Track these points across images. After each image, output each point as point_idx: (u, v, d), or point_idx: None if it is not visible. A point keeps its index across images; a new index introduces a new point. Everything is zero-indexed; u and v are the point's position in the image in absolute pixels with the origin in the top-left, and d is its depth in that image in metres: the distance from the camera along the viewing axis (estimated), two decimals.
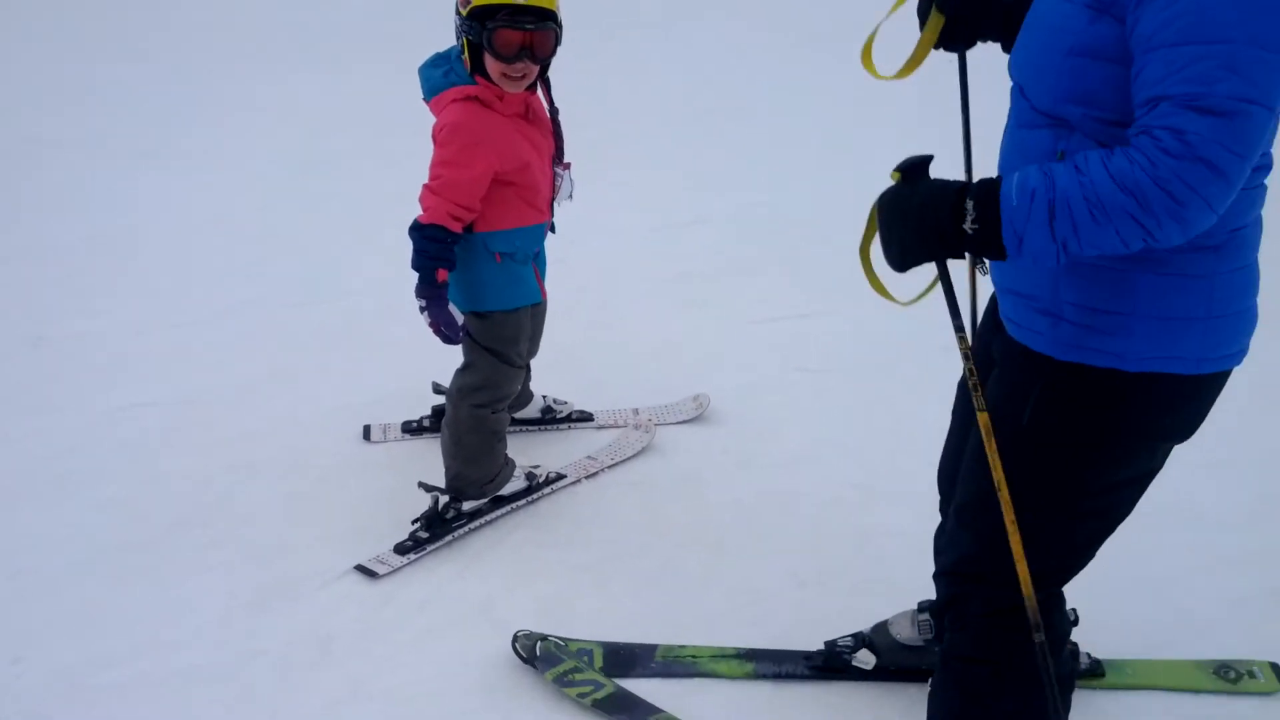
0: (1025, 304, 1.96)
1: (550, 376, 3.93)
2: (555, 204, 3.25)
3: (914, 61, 2.21)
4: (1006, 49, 2.19)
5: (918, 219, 1.76)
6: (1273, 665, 2.75)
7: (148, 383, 4.13)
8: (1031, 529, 1.98)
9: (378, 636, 2.85)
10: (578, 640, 2.84)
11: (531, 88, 3.03)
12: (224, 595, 2.99)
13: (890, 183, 1.83)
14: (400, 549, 3.13)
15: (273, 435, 3.77)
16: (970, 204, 1.71)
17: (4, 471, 3.57)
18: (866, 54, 2.22)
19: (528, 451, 3.63)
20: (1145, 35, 1.61)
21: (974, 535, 2.13)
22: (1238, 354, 1.90)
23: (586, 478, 3.55)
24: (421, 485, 3.24)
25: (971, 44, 2.27)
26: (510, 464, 3.35)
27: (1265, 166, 1.79)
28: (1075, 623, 2.51)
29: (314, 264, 5.24)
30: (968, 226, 1.72)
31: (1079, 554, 2.10)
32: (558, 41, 2.93)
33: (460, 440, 3.22)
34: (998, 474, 1.94)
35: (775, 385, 4.10)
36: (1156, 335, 1.83)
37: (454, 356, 3.32)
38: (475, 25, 2.83)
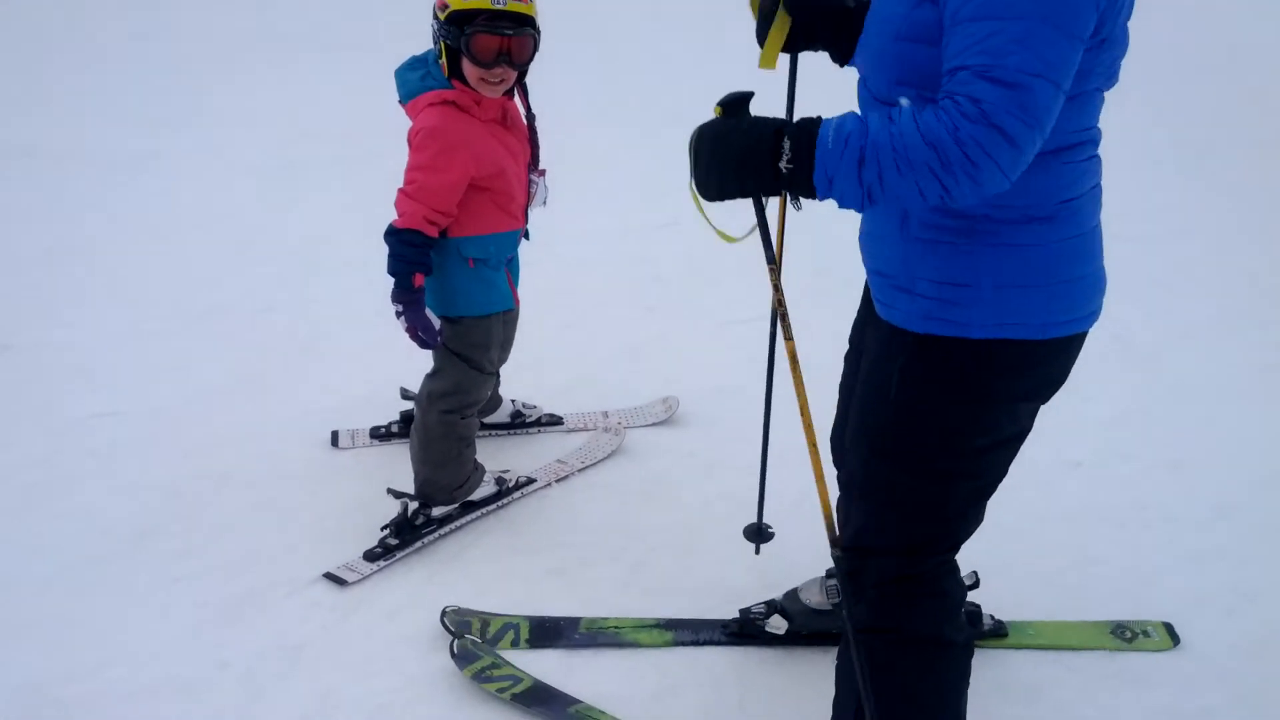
0: (886, 282, 2.07)
1: (519, 380, 3.93)
2: (529, 210, 3.26)
3: (768, 58, 2.25)
4: (836, 59, 2.30)
5: (739, 153, 1.84)
6: (1166, 625, 2.88)
7: (114, 392, 4.10)
8: (909, 496, 2.12)
9: (348, 645, 2.84)
10: (503, 615, 2.91)
11: (509, 93, 3.04)
12: (193, 605, 2.97)
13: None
14: (370, 556, 3.12)
15: (241, 443, 3.75)
16: (788, 143, 1.79)
17: None
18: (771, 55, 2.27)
19: (497, 456, 3.63)
20: (952, 11, 1.73)
21: (861, 509, 2.23)
22: (1085, 318, 2.02)
23: (556, 481, 3.56)
24: (391, 492, 3.23)
25: (809, 48, 2.33)
26: (480, 469, 3.35)
27: (1090, 141, 1.95)
28: (975, 585, 2.74)
29: (279, 271, 5.23)
30: (783, 165, 1.79)
31: (960, 519, 2.19)
32: (535, 47, 2.94)
33: (429, 446, 3.21)
34: (801, 400, 2.10)
35: (744, 388, 4.11)
36: (999, 303, 1.94)
37: (422, 362, 3.32)
38: (453, 30, 2.84)
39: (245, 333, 4.60)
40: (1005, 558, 3.13)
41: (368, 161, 6.53)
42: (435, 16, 2.90)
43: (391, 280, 2.96)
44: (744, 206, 1.99)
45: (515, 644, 2.84)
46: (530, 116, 3.17)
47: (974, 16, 1.69)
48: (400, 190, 2.94)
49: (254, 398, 4.07)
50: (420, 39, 3.05)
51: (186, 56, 8.98)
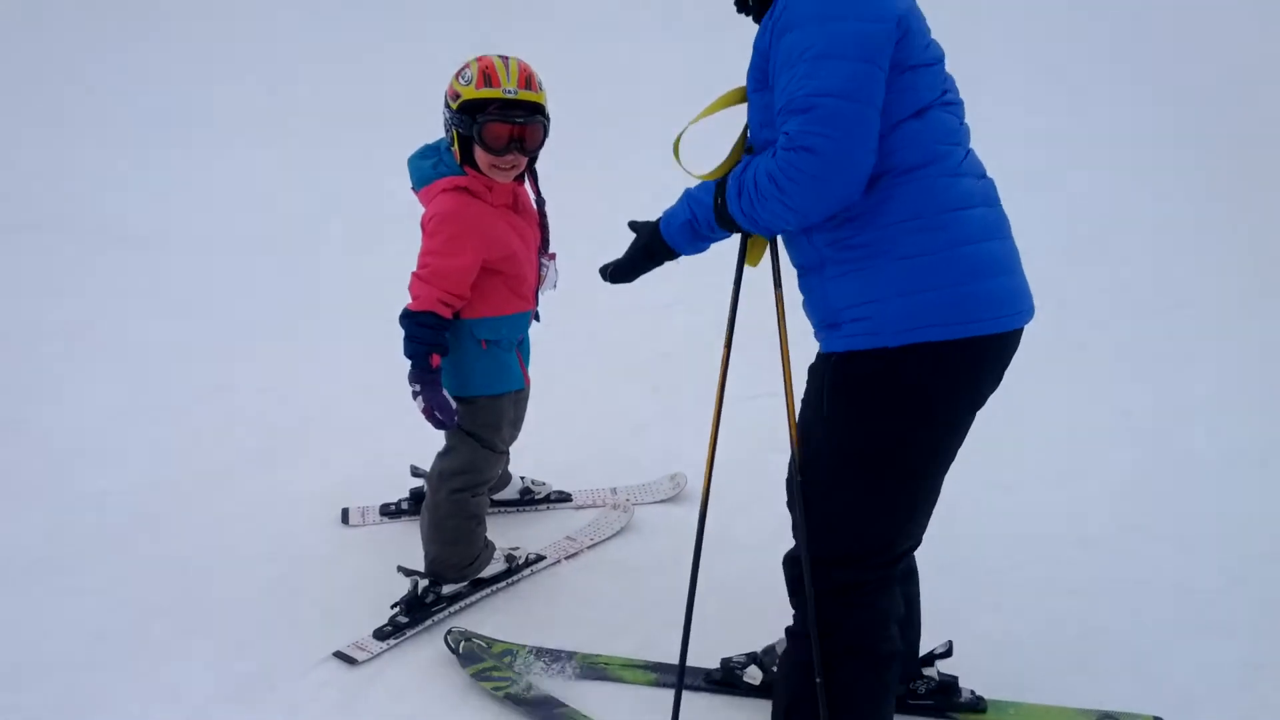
0: (820, 328, 2.33)
1: (528, 457, 3.95)
2: (540, 293, 3.31)
3: (729, 163, 2.42)
4: None
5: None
6: (1155, 719, 2.82)
7: (122, 469, 4.13)
8: (837, 508, 2.30)
9: None
10: (504, 642, 3.08)
11: (519, 179, 3.11)
12: (202, 685, 2.97)
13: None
14: (380, 634, 3.12)
15: (250, 520, 3.77)
16: (720, 197, 2.29)
17: None
18: (676, 149, 2.52)
19: (507, 533, 3.64)
20: (772, 83, 2.17)
21: (797, 521, 2.38)
22: (993, 320, 2.18)
23: (566, 559, 3.57)
24: (401, 569, 3.24)
25: None
26: (490, 547, 3.36)
27: (947, 157, 2.19)
28: (948, 654, 2.84)
29: (286, 349, 5.28)
30: (719, 201, 2.29)
31: (888, 532, 2.32)
32: (545, 133, 3.02)
33: (440, 524, 3.23)
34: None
35: (750, 464, 4.13)
36: (905, 310, 2.16)
37: (432, 440, 3.34)
38: (465, 118, 2.92)
39: (253, 411, 4.63)
40: (1008, 633, 3.15)
41: (373, 237, 6.64)
42: (447, 106, 2.98)
43: (408, 362, 2.99)
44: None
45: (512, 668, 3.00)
46: (540, 201, 3.24)
47: (780, 72, 2.11)
48: (414, 274, 2.99)
49: (263, 475, 4.09)
50: (421, 117, 3.12)
51: (189, 133, 9.12)
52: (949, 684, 2.82)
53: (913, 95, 2.16)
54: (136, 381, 4.91)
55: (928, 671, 2.82)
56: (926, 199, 2.16)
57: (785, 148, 2.06)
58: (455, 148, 3.00)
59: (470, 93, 2.91)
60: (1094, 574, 3.45)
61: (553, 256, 3.29)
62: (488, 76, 2.92)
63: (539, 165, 3.19)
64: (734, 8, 2.40)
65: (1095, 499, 3.88)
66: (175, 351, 5.23)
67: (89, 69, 10.47)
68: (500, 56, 2.97)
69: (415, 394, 3.01)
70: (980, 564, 3.49)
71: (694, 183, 2.45)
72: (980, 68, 7.19)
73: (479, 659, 2.99)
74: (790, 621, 2.47)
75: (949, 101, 2.26)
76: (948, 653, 2.82)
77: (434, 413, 3.03)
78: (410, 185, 3.13)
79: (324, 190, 7.80)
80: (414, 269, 3.01)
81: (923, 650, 2.82)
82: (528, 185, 3.20)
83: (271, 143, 8.89)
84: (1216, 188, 7.52)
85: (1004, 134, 8.38)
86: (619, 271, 2.56)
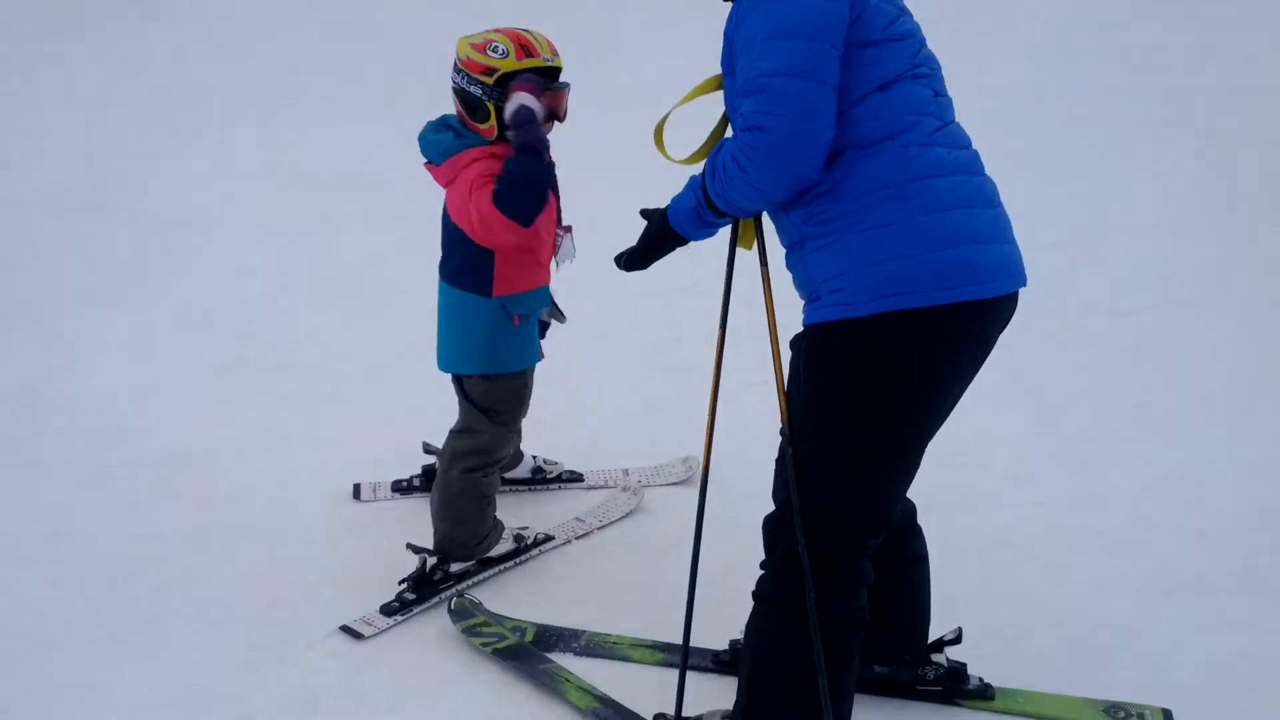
0: (807, 305, 2.34)
1: (540, 437, 3.95)
2: (557, 264, 3.30)
3: (706, 149, 2.48)
4: None
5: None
6: (1165, 712, 2.78)
7: (137, 441, 4.15)
8: (814, 478, 2.30)
9: (363, 700, 2.84)
10: (513, 619, 3.11)
11: None
12: (211, 657, 2.99)
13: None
14: (387, 610, 3.13)
15: (262, 495, 3.79)
16: (698, 190, 2.35)
17: None
18: (659, 135, 2.58)
19: (517, 512, 3.65)
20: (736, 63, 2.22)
21: (780, 483, 2.41)
22: (960, 287, 2.16)
23: (575, 539, 3.56)
24: (410, 547, 3.25)
25: None
26: (499, 526, 3.36)
27: (916, 127, 2.20)
28: (958, 641, 2.80)
29: (300, 325, 5.30)
30: (701, 191, 2.33)
31: (856, 502, 2.33)
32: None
33: (450, 502, 3.23)
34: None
35: (766, 448, 4.11)
36: (873, 279, 2.17)
37: (444, 418, 3.34)
38: (503, 91, 2.93)
39: (267, 386, 4.65)
40: (1020, 623, 3.13)
41: (387, 215, 6.66)
42: (474, 80, 2.96)
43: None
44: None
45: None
46: (552, 165, 3.20)
47: (738, 57, 2.19)
48: (473, 205, 2.91)
49: (276, 450, 4.11)
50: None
51: (211, 109, 9.15)
52: (958, 671, 2.81)
53: (876, 69, 2.18)
54: (151, 355, 4.94)
55: (936, 658, 2.81)
56: (894, 169, 2.18)
57: (741, 128, 2.13)
58: (493, 121, 2.98)
59: (510, 64, 2.93)
60: (1107, 565, 3.42)
61: (568, 229, 3.26)
62: (525, 47, 2.95)
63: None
64: None
65: (1110, 492, 3.85)
66: (191, 326, 5.26)
67: (111, 47, 10.51)
68: (523, 29, 3.01)
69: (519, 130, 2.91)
70: (992, 553, 3.47)
71: (675, 168, 2.50)
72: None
73: (469, 614, 3.04)
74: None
75: (921, 75, 2.26)
76: (957, 639, 2.81)
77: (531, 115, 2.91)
78: (424, 160, 3.10)
79: (339, 168, 7.82)
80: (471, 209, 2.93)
81: (932, 637, 2.81)
82: None
83: (288, 120, 8.91)
84: (1241, 184, 7.45)
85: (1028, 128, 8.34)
86: (633, 259, 2.58)
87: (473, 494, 3.24)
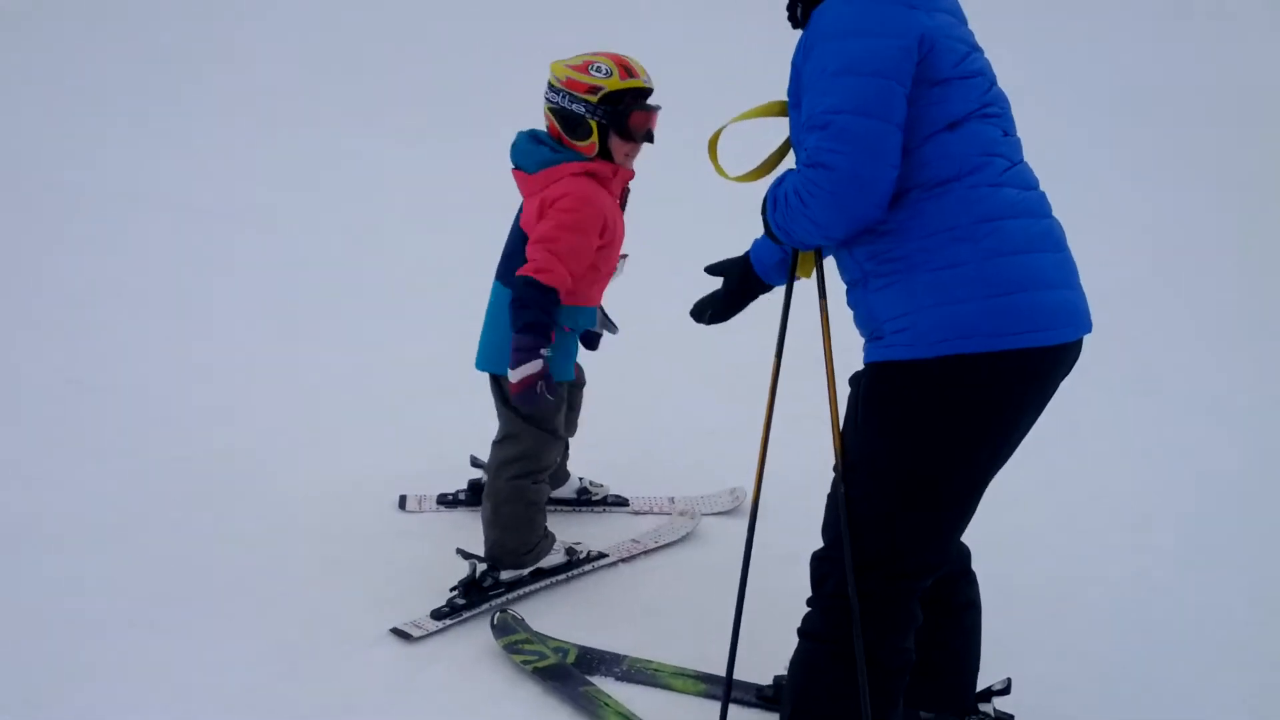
0: (868, 343, 2.31)
1: (588, 456, 3.94)
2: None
3: (763, 170, 2.49)
4: None
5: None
6: None
7: (191, 437, 4.18)
8: (866, 518, 2.27)
9: (411, 703, 2.84)
10: (556, 639, 3.09)
11: None
12: (258, 656, 2.99)
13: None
14: (437, 614, 3.14)
15: (312, 500, 3.80)
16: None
17: (51, 516, 3.61)
18: (712, 149, 2.55)
19: (564, 530, 3.64)
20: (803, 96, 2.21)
21: (830, 520, 2.39)
22: (1027, 334, 2.14)
23: (626, 560, 3.56)
24: (460, 552, 3.25)
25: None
26: (550, 537, 3.37)
27: (987, 167, 2.18)
28: (1006, 691, 2.75)
29: (359, 335, 5.31)
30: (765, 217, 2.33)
31: (908, 545, 2.29)
32: None
33: (499, 510, 3.25)
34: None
35: (816, 483, 4.08)
36: (940, 321, 2.14)
37: (491, 431, 3.36)
38: (608, 109, 3.03)
39: (323, 392, 4.68)
40: (1069, 676, 3.10)
41: (443, 222, 6.68)
42: (575, 99, 3.05)
43: (521, 332, 2.97)
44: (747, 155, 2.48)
45: None
46: (625, 193, 3.30)
47: (805, 90, 2.18)
48: (544, 247, 3.01)
49: (327, 455, 4.13)
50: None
51: (286, 113, 9.25)
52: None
53: (945, 108, 2.16)
54: (207, 353, 4.98)
55: (984, 707, 2.76)
56: (962, 210, 2.16)
57: (805, 164, 2.12)
58: (595, 138, 3.08)
59: (614, 84, 3.05)
60: (1158, 618, 3.38)
61: (624, 257, 3.34)
62: (627, 69, 3.08)
63: None
64: (788, 22, 2.43)
65: (1161, 542, 3.80)
66: (246, 327, 5.31)
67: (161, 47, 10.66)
68: (613, 53, 3.14)
69: (531, 360, 2.96)
70: (1044, 603, 3.43)
71: (726, 182, 2.51)
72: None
73: (512, 631, 3.05)
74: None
75: (991, 114, 2.24)
76: (1006, 690, 2.76)
77: (539, 384, 2.98)
78: (513, 166, 3.19)
79: (402, 176, 7.88)
80: (541, 241, 3.02)
81: (980, 685, 2.77)
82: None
83: (355, 123, 8.99)
84: None
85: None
86: (718, 315, 2.66)
87: (521, 501, 3.26)
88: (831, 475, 2.41)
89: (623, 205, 3.29)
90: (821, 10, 2.21)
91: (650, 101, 3.14)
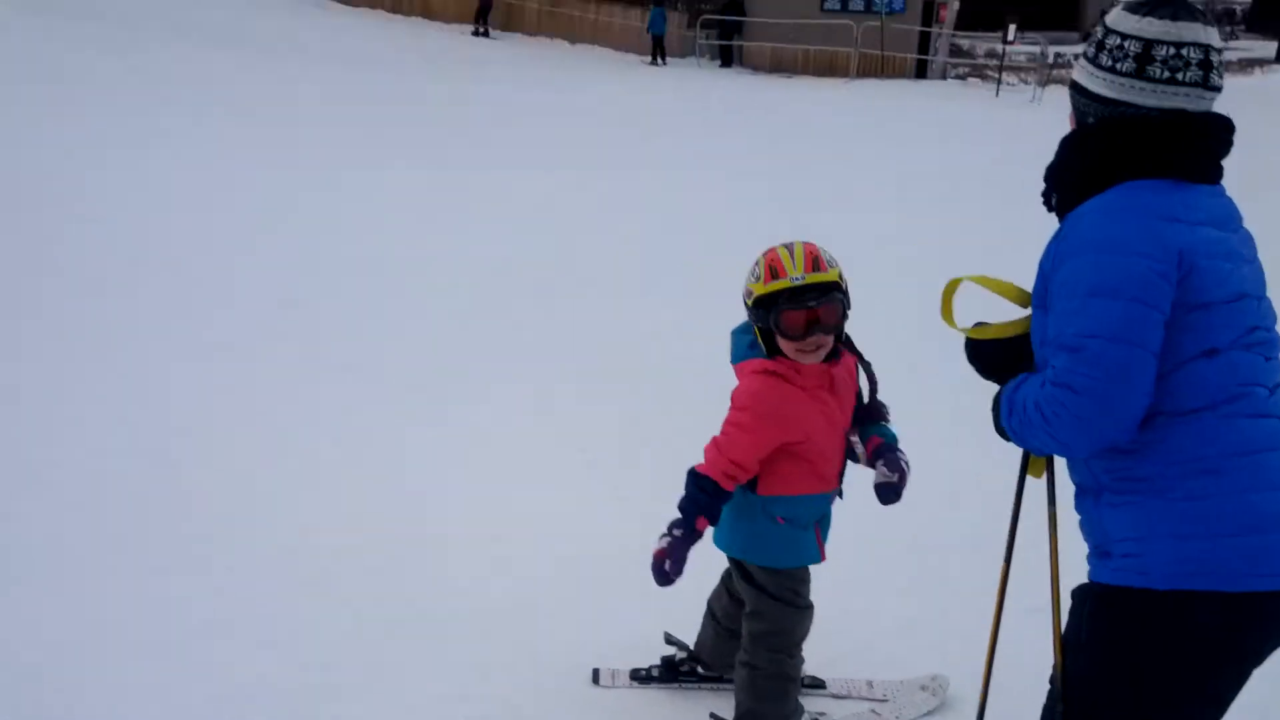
0: (1094, 554, 2.24)
1: None
2: (861, 467, 3.29)
3: (995, 334, 2.44)
4: None
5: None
6: None
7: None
8: None
9: None
10: None
11: (834, 356, 3.11)
12: None
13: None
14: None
15: (508, 668, 3.81)
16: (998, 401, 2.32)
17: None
18: (948, 297, 2.53)
19: (805, 700, 3.57)
20: (1050, 305, 2.18)
21: None
22: (1270, 575, 2.01)
23: None
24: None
25: None
26: (800, 709, 3.38)
27: (1247, 396, 2.07)
28: None
29: (558, 498, 5.25)
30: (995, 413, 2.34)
31: None
32: (846, 308, 3.05)
33: (755, 681, 3.28)
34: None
35: (1030, 680, 3.84)
36: (1175, 554, 2.05)
37: (680, 609, 3.41)
38: (761, 312, 3.02)
39: (519, 555, 4.65)
40: None
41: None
42: (745, 304, 3.09)
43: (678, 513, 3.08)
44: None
45: None
46: (867, 364, 3.23)
47: (1055, 303, 2.12)
48: (714, 438, 3.09)
49: (523, 622, 4.12)
50: None
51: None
52: None
53: (1203, 335, 2.07)
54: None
55: None
56: (1212, 441, 2.07)
57: (1052, 382, 2.07)
58: (760, 340, 3.10)
59: (760, 289, 3.02)
60: None
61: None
62: (774, 269, 3.01)
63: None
64: (1042, 205, 2.37)
65: None
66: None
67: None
68: (785, 245, 3.07)
69: (663, 535, 3.07)
70: None
71: (955, 334, 2.48)
72: None
73: None
74: None
75: (1256, 341, 2.12)
76: None
77: (665, 563, 3.05)
78: (729, 358, 3.25)
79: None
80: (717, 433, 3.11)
81: None
82: (845, 354, 3.20)
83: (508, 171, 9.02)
84: None
85: None
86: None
87: (780, 676, 3.28)
88: (1048, 687, 2.32)
89: (870, 375, 3.22)
90: (1078, 215, 2.16)
91: (813, 288, 2.95)
